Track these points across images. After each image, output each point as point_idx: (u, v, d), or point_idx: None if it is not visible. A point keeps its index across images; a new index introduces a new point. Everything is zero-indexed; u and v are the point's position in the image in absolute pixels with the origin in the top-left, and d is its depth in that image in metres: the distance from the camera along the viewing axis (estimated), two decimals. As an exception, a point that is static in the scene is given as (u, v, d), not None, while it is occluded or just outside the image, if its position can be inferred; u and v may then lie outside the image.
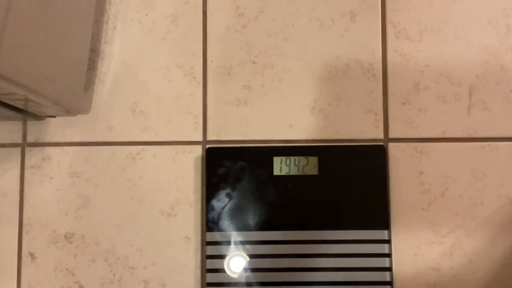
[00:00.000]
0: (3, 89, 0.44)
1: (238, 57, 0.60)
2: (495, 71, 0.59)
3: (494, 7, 0.59)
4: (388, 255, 0.55)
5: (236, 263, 0.55)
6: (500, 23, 0.59)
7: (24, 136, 0.60)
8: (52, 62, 0.50)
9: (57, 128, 0.60)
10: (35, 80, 0.47)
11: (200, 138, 0.59)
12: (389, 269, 0.55)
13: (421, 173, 0.58)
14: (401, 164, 0.58)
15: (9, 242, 0.58)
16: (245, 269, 0.55)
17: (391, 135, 0.58)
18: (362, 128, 0.59)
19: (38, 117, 0.58)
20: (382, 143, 0.58)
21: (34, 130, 0.60)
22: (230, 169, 0.57)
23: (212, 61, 0.60)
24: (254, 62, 0.60)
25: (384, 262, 0.55)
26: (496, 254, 0.56)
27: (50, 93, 0.51)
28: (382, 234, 0.55)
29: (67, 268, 0.58)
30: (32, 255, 0.58)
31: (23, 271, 0.58)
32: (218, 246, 0.56)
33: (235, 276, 0.55)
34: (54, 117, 0.59)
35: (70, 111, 0.56)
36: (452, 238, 0.57)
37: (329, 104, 0.59)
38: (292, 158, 0.57)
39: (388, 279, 0.55)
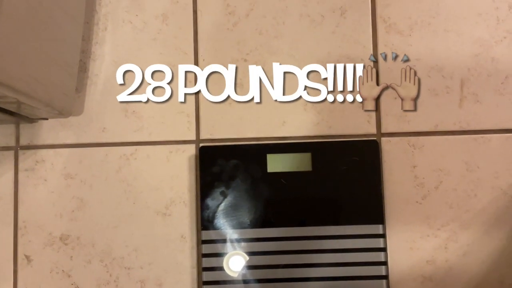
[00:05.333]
0: (-6, 93, 0.44)
1: (229, 55, 0.60)
2: (486, 63, 0.59)
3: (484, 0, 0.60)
4: (383, 249, 0.55)
5: (232, 261, 0.56)
6: (490, 15, 0.59)
7: (17, 139, 0.60)
8: (43, 64, 0.50)
9: (50, 130, 0.60)
10: (26, 83, 0.47)
11: (193, 137, 0.59)
12: (385, 263, 0.55)
13: (414, 167, 0.58)
14: (394, 159, 0.58)
15: (4, 245, 0.58)
16: (241, 267, 0.55)
17: (384, 129, 0.59)
18: (354, 124, 0.59)
19: (31, 119, 0.58)
20: (375, 138, 0.58)
21: (27, 133, 0.60)
22: (224, 168, 0.57)
23: (203, 60, 0.60)
24: (245, 60, 0.60)
25: (380, 256, 0.55)
26: (491, 246, 0.57)
27: (42, 95, 0.51)
28: (377, 229, 0.56)
29: (63, 270, 0.58)
30: (28, 257, 0.58)
31: (19, 274, 0.58)
32: (213, 245, 0.56)
33: (231, 274, 0.55)
34: (47, 119, 0.59)
35: (62, 113, 0.56)
36: (447, 230, 0.57)
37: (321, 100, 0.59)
38: (286, 155, 0.57)
39: (384, 273, 0.55)
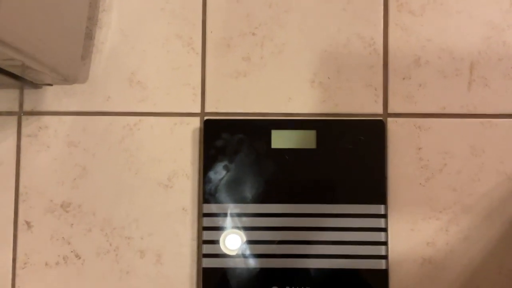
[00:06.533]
0: (0, 54, 0.44)
1: (238, 28, 0.59)
2: (497, 47, 0.58)
3: (498, -18, 0.59)
4: (384, 230, 0.55)
5: (232, 235, 0.55)
6: (504, -2, 0.58)
7: (21, 105, 0.59)
8: (49, 28, 0.49)
9: (54, 97, 0.59)
10: (33, 45, 0.46)
11: (198, 110, 0.59)
12: (385, 243, 0.55)
13: (419, 148, 0.57)
14: (400, 139, 0.58)
15: (5, 210, 0.58)
16: (241, 241, 0.55)
17: (391, 110, 0.58)
18: (361, 103, 0.58)
19: (35, 85, 0.58)
20: (381, 118, 0.58)
21: (31, 99, 0.59)
22: (228, 142, 0.57)
23: (211, 32, 0.59)
24: (254, 34, 0.59)
25: (380, 236, 0.55)
26: (492, 231, 0.57)
27: (48, 59, 0.50)
28: (379, 209, 0.55)
29: (63, 237, 0.58)
30: (28, 223, 0.58)
31: (19, 239, 0.58)
32: (214, 218, 0.56)
33: (231, 248, 0.55)
34: (51, 85, 0.58)
35: (67, 80, 0.56)
36: (449, 213, 0.57)
37: (329, 77, 0.58)
38: (291, 131, 0.57)
39: (383, 253, 0.55)
